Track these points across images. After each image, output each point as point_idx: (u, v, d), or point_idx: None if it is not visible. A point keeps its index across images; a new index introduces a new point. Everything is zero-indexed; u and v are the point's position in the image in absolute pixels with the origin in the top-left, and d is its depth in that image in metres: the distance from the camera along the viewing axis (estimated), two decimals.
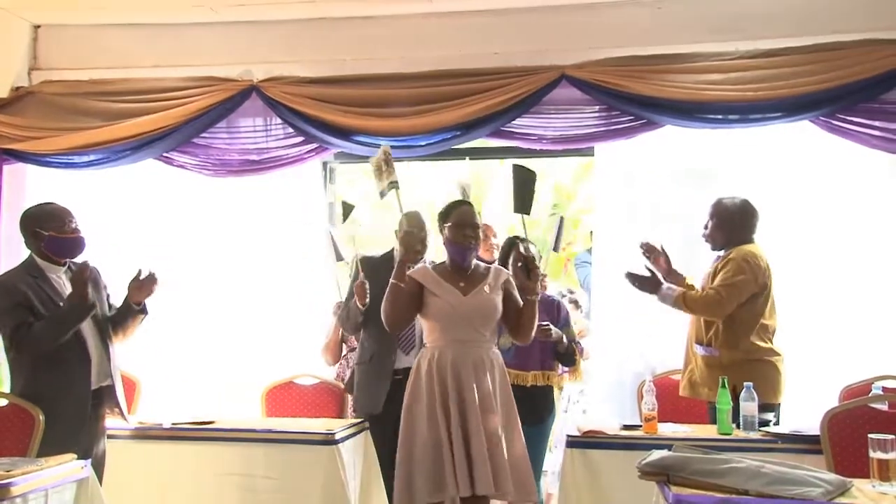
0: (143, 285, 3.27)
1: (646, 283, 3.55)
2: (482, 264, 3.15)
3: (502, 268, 3.23)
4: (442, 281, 3.02)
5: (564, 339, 3.54)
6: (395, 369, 3.43)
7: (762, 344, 3.43)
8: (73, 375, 3.08)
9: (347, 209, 3.96)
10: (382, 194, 3.52)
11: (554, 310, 3.63)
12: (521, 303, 3.08)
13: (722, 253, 3.56)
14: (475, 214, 3.12)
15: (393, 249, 3.56)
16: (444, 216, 3.13)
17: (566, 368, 3.67)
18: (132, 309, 3.27)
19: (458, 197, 3.61)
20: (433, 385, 2.92)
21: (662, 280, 3.55)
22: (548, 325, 3.43)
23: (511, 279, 3.15)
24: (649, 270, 3.60)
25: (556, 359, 3.59)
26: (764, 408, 3.23)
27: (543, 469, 3.72)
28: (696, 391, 3.51)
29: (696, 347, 3.52)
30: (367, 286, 3.44)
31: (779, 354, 3.47)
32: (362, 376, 3.55)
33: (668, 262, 3.69)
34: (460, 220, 3.06)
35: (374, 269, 3.48)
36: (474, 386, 2.90)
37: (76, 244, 3.19)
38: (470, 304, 2.99)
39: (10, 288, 3.04)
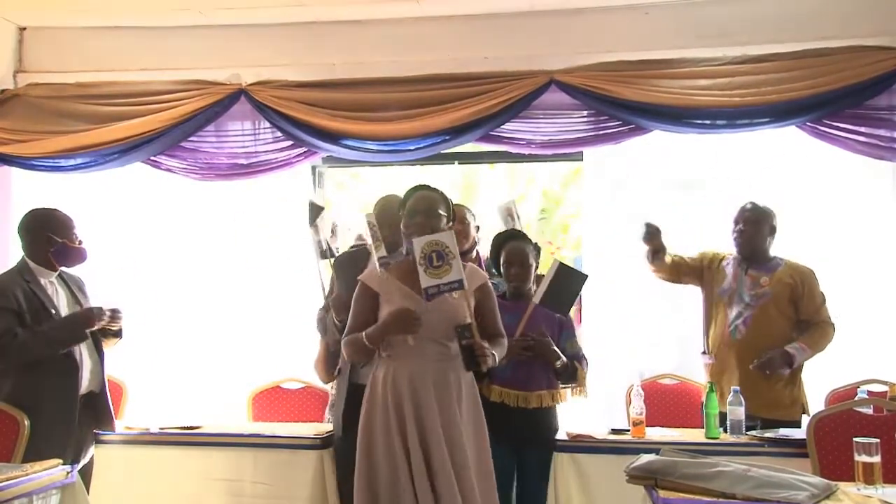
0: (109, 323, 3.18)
1: (779, 363, 3.36)
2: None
3: (478, 268, 2.87)
4: (400, 285, 2.66)
5: (561, 357, 3.07)
6: (354, 384, 2.99)
7: None
8: (63, 380, 3.06)
9: (315, 210, 3.63)
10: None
11: (554, 321, 3.15)
12: (493, 319, 2.77)
13: (733, 258, 3.57)
14: (430, 200, 2.73)
15: (365, 245, 3.19)
16: (403, 202, 2.77)
17: (567, 386, 3.17)
18: (106, 332, 3.24)
19: (507, 224, 3.50)
20: (388, 409, 2.60)
21: (787, 350, 3.36)
22: (530, 338, 3.02)
23: (489, 284, 2.79)
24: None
25: (555, 376, 3.12)
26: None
27: None
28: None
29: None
30: (344, 300, 2.97)
31: None
32: (336, 392, 3.22)
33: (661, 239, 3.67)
34: (411, 207, 2.72)
35: (345, 268, 3.13)
36: (436, 409, 2.57)
37: (82, 256, 3.22)
38: (431, 313, 2.60)
39: (3, 291, 3.02)
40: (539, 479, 3.05)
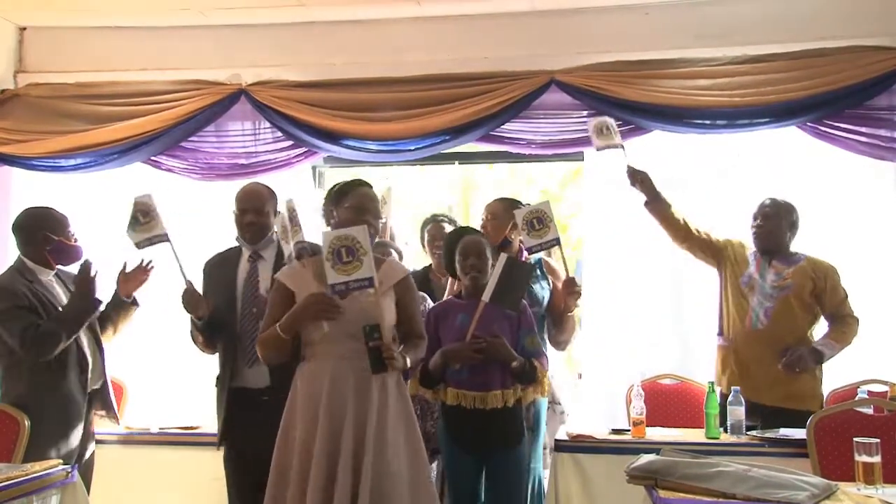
0: (130, 277, 3.27)
1: (809, 361, 3.39)
2: (378, 257, 2.66)
3: (398, 263, 2.81)
4: (315, 283, 2.54)
5: (517, 357, 2.83)
6: (235, 388, 2.93)
7: None
8: (73, 379, 3.06)
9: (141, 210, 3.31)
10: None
11: (512, 318, 2.89)
12: (412, 317, 2.65)
13: (751, 252, 3.57)
14: (377, 200, 2.69)
15: (238, 246, 3.11)
16: (339, 195, 2.66)
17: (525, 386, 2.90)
18: (123, 302, 3.26)
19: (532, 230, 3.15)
20: (306, 411, 2.48)
21: (816, 347, 3.42)
22: (482, 340, 2.78)
23: (409, 280, 2.69)
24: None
25: (512, 377, 2.86)
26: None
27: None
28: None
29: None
30: (199, 294, 2.96)
31: None
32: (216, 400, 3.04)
33: (652, 185, 3.67)
34: (360, 203, 2.61)
35: (212, 270, 3.13)
36: (351, 414, 2.44)
37: (78, 253, 3.22)
38: (346, 311, 2.48)
39: (11, 290, 3.02)
40: (511, 479, 2.86)
